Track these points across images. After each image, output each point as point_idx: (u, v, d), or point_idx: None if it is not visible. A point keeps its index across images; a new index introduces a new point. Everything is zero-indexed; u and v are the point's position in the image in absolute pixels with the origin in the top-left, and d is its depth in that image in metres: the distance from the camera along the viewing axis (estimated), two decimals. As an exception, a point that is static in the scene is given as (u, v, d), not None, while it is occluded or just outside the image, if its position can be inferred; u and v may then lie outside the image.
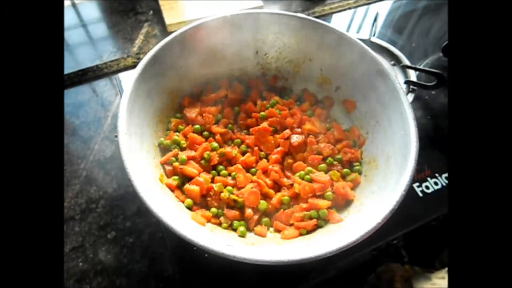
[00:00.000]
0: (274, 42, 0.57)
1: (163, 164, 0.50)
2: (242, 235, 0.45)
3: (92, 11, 0.98)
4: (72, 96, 0.81)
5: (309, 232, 0.45)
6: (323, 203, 0.46)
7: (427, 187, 0.57)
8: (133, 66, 0.86)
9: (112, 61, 0.85)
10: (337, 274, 0.57)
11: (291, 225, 0.46)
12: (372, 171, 0.48)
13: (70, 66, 0.84)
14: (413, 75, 0.71)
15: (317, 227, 0.45)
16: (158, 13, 0.96)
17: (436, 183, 0.57)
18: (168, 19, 0.89)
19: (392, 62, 0.74)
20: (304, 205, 0.46)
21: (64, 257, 0.60)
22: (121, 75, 0.67)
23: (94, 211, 0.66)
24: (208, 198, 0.48)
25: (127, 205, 0.67)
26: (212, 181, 0.50)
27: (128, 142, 0.42)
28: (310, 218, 0.46)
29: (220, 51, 0.56)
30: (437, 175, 0.58)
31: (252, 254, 0.35)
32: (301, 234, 0.45)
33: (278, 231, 0.46)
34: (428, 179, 0.58)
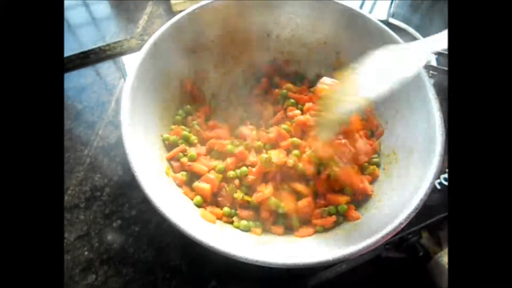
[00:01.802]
0: (287, 23, 0.53)
1: (169, 160, 0.48)
2: (257, 234, 0.43)
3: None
4: (75, 80, 0.78)
5: (325, 230, 0.43)
6: (342, 198, 0.43)
7: (445, 179, 0.54)
8: (137, 48, 0.82)
9: (115, 42, 0.82)
10: (347, 268, 0.55)
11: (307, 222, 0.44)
12: (392, 164, 0.45)
13: (71, 48, 0.81)
14: (432, 60, 0.67)
15: (335, 224, 0.43)
16: (162, -9, 0.92)
17: (455, 175, 0.54)
18: (173, -3, 0.85)
19: (410, 45, 0.70)
20: (322, 201, 0.44)
21: (69, 246, 0.59)
22: (125, 58, 0.64)
23: (99, 199, 0.64)
24: (220, 198, 0.45)
25: (133, 193, 0.65)
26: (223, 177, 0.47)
27: (132, 133, 0.40)
28: (329, 214, 0.43)
29: (230, 33, 0.52)
30: (456, 166, 0.55)
31: (265, 257, 0.33)
32: (316, 232, 0.43)
33: (291, 228, 0.44)
34: (447, 170, 0.55)
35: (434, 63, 0.65)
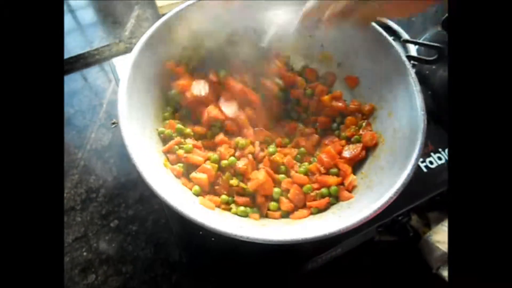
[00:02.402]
0: (272, 18, 0.55)
1: (165, 152, 0.49)
2: (255, 219, 0.44)
3: (79, -4, 0.95)
4: (65, 85, 0.79)
5: (320, 211, 0.45)
6: (332, 180, 0.45)
7: (431, 162, 0.57)
8: (126, 51, 0.83)
9: (103, 46, 0.82)
10: (342, 252, 0.57)
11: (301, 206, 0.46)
12: (379, 146, 0.47)
13: (60, 54, 0.82)
14: (413, 50, 0.70)
15: (329, 205, 0.45)
16: (148, -5, 0.93)
17: (439, 158, 0.57)
18: (160, 0, 0.86)
19: (392, 38, 0.73)
20: (315, 185, 0.46)
21: (67, 248, 0.60)
22: (115, 60, 0.65)
23: (95, 200, 0.65)
24: (217, 187, 0.47)
25: (128, 193, 0.66)
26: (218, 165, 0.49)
27: (130, 127, 0.41)
28: (322, 196, 0.45)
29: (218, 31, 0.54)
30: (440, 150, 0.58)
31: (265, 235, 0.35)
32: (311, 214, 0.44)
33: (287, 212, 0.46)
34: (432, 154, 0.57)
35: (414, 53, 0.68)
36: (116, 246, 0.60)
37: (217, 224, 0.36)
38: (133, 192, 0.66)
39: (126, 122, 0.40)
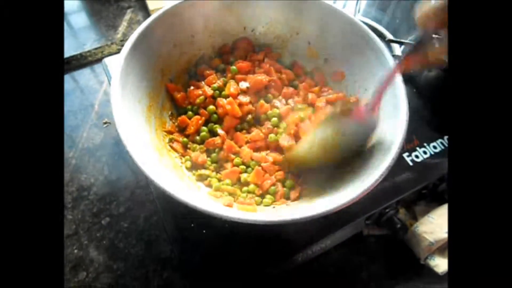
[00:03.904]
0: (261, 17, 0.56)
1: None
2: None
3: (71, 1, 0.96)
4: (57, 86, 0.79)
5: (310, 195, 0.46)
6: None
7: (416, 156, 0.58)
8: (118, 52, 0.84)
9: (96, 48, 0.83)
10: (332, 246, 0.58)
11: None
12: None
13: (52, 55, 0.82)
14: (397, 50, 0.72)
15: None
16: (140, -1, 0.95)
17: (425, 152, 0.59)
18: (152, 4, 0.88)
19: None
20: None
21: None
22: (107, 60, 0.66)
23: (86, 198, 0.65)
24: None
25: (120, 191, 0.66)
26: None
27: (121, 106, 0.41)
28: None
29: (208, 28, 0.56)
30: (425, 144, 0.60)
31: (254, 216, 0.35)
32: (301, 197, 0.46)
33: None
34: (417, 148, 0.59)
35: (399, 53, 0.70)
36: (107, 243, 0.60)
37: (208, 206, 0.36)
38: (124, 190, 0.66)
39: (118, 99, 0.41)
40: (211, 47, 0.58)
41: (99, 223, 0.62)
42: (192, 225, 0.51)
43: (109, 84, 0.58)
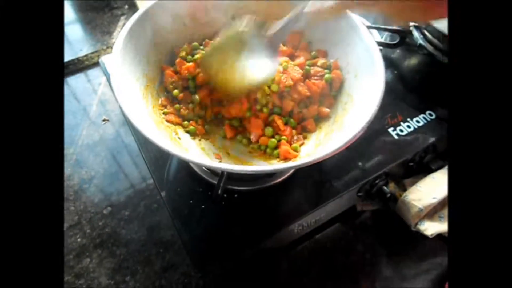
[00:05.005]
0: (248, 6, 0.60)
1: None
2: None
3: (67, 11, 1.00)
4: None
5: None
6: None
7: (401, 130, 0.62)
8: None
9: (92, 53, 0.87)
10: (326, 220, 0.61)
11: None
12: (348, 104, 0.52)
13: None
14: (377, 36, 0.76)
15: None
16: (133, 7, 1.00)
17: (408, 126, 0.62)
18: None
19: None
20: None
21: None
22: (104, 58, 0.69)
23: (87, 190, 0.67)
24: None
25: (120, 182, 0.68)
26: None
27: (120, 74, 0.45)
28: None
29: (198, 19, 0.59)
30: (408, 119, 0.63)
31: (245, 168, 0.38)
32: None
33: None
34: (401, 123, 0.63)
35: (378, 38, 0.75)
36: (109, 230, 0.62)
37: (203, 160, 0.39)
38: (124, 181, 0.68)
39: (118, 71, 0.44)
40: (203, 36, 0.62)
41: (101, 212, 0.64)
42: (191, 201, 0.53)
43: (108, 81, 0.62)
